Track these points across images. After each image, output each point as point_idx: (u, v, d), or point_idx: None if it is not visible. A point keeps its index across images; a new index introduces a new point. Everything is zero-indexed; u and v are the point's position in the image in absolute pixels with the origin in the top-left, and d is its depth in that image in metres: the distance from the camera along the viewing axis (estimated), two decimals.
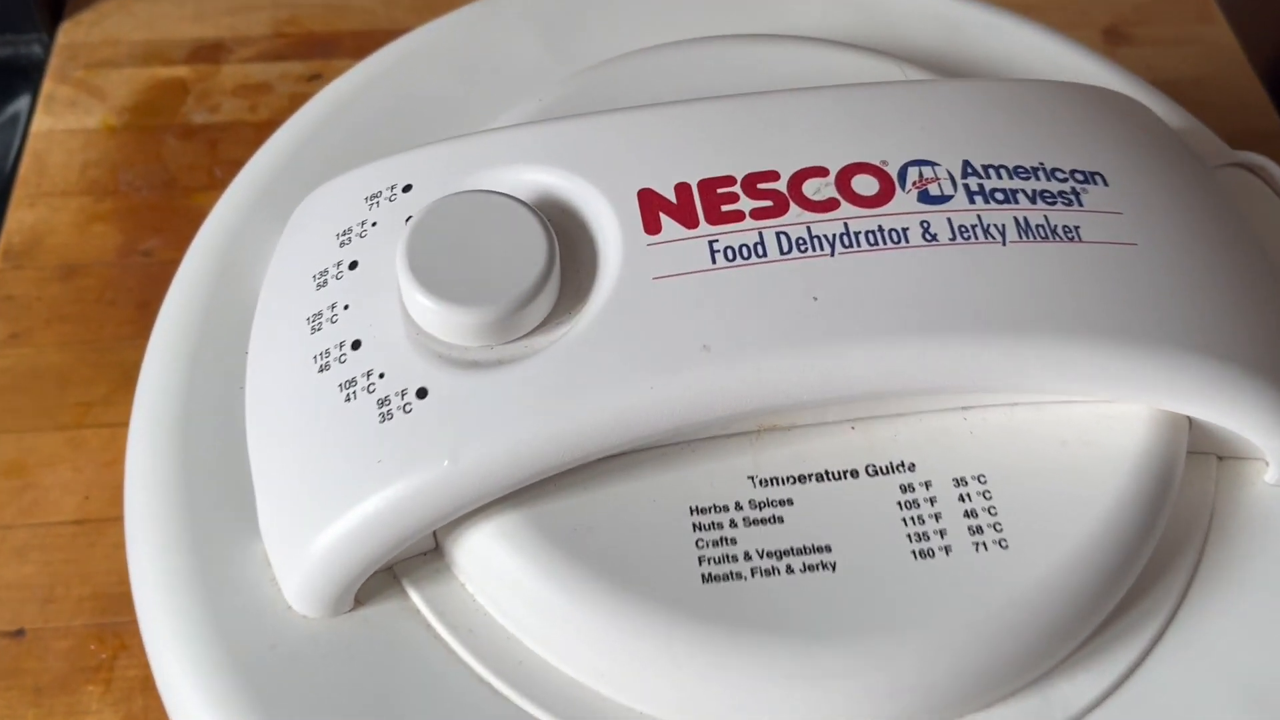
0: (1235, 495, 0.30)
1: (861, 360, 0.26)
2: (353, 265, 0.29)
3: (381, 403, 0.27)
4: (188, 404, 0.31)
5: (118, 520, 0.43)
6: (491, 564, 0.27)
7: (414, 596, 0.28)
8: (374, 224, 0.30)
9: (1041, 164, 0.29)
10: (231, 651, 0.27)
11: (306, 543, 0.27)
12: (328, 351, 0.28)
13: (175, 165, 0.60)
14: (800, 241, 0.27)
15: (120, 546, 0.32)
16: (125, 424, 0.33)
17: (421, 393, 0.27)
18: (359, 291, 0.29)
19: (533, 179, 0.29)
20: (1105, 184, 0.29)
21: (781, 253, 0.27)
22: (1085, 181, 0.29)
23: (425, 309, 0.27)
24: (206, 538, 0.29)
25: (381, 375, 0.27)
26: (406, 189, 0.30)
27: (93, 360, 0.53)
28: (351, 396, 0.27)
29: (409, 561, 0.28)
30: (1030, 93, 0.31)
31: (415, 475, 0.26)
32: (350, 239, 0.30)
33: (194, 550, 0.29)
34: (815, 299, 0.27)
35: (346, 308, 0.29)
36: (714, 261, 0.27)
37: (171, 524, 0.29)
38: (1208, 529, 0.29)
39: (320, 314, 0.29)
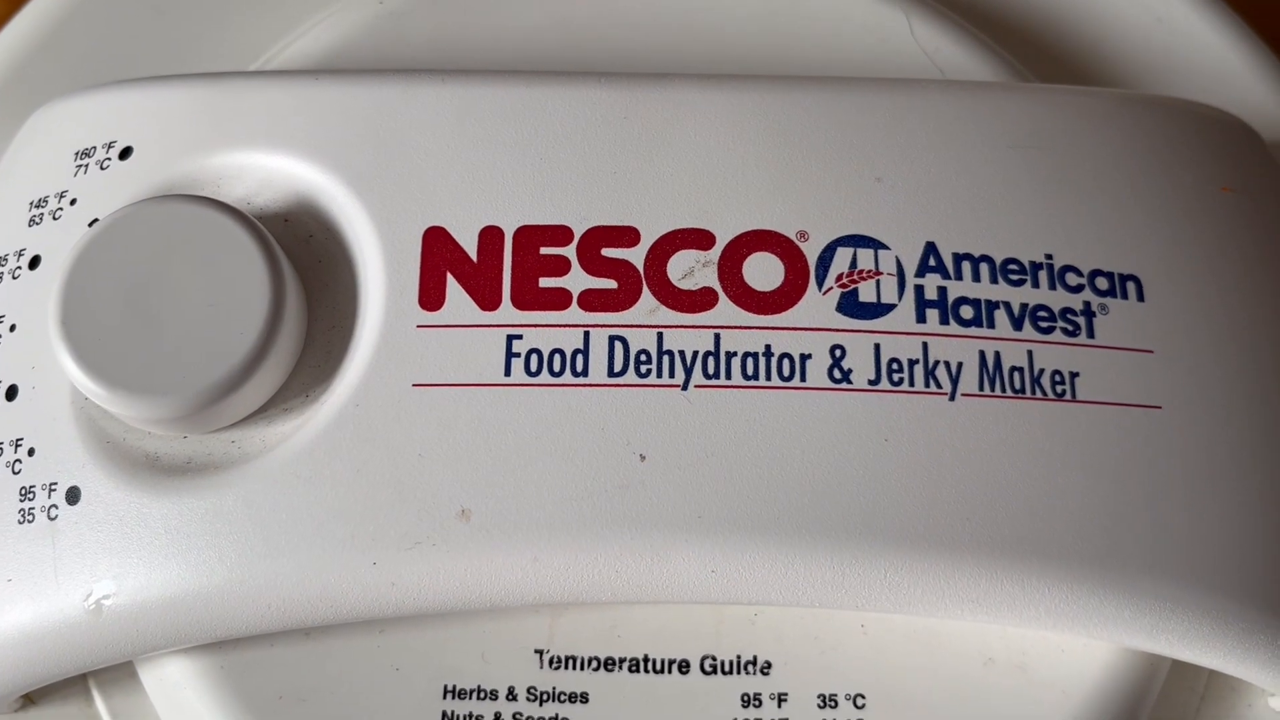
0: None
1: (692, 565, 0.17)
2: (34, 262, 0.20)
3: (24, 493, 0.19)
4: None
5: None
6: (180, 706, 0.20)
7: (100, 705, 0.21)
8: (73, 202, 0.21)
9: (1049, 257, 0.19)
10: None
11: None
12: None
13: None
14: (643, 358, 0.18)
15: None
16: None
17: (73, 495, 0.19)
18: (33, 308, 0.20)
19: (288, 170, 0.20)
20: (1140, 296, 0.19)
21: (611, 373, 0.18)
22: (1110, 291, 0.19)
23: (79, 382, 0.18)
24: None
25: (31, 452, 0.19)
26: (125, 154, 0.21)
27: None
28: None
29: None
30: (1065, 114, 0.21)
31: (47, 613, 0.18)
32: (42, 217, 0.21)
33: None
34: (642, 458, 0.18)
35: (13, 329, 0.20)
36: (507, 372, 0.18)
37: None
38: None
39: None
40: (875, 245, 0.19)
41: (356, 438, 0.18)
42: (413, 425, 0.18)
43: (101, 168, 0.21)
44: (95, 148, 0.21)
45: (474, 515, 0.18)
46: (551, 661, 0.20)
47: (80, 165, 0.21)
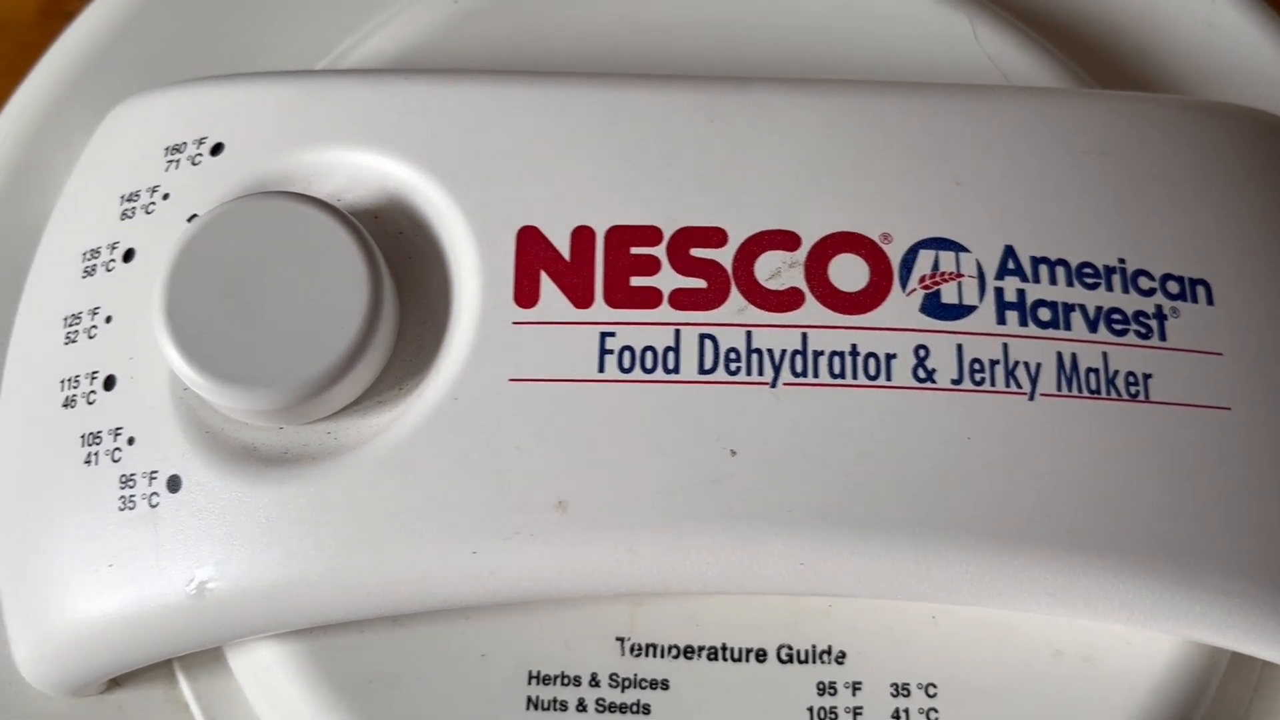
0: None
1: (782, 558, 0.18)
2: (128, 255, 0.21)
3: (125, 481, 0.20)
4: None
5: None
6: (271, 689, 0.21)
7: (185, 688, 0.22)
8: (165, 196, 0.21)
9: (1122, 261, 0.20)
10: None
11: (36, 623, 0.20)
12: (76, 380, 0.20)
13: None
14: (733, 356, 0.19)
15: None
16: None
17: (174, 483, 0.19)
18: (128, 300, 0.21)
19: (379, 167, 0.20)
20: (1210, 299, 0.20)
21: (701, 370, 0.19)
22: (1180, 295, 0.20)
23: (183, 373, 0.19)
24: None
25: (131, 441, 0.20)
26: (216, 150, 0.21)
27: None
28: (93, 458, 0.20)
29: None
30: (1134, 120, 0.21)
31: (149, 598, 0.19)
32: (134, 211, 0.21)
33: None
34: (733, 453, 0.18)
35: (109, 320, 0.21)
36: (601, 368, 0.19)
37: None
38: None
39: (79, 316, 0.21)
40: (956, 248, 0.19)
41: (455, 430, 0.18)
42: (510, 419, 0.18)
43: (193, 163, 0.21)
44: (186, 143, 0.21)
45: (571, 507, 0.18)
46: (632, 649, 0.20)
47: (171, 160, 0.21)
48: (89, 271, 0.21)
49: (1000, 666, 0.20)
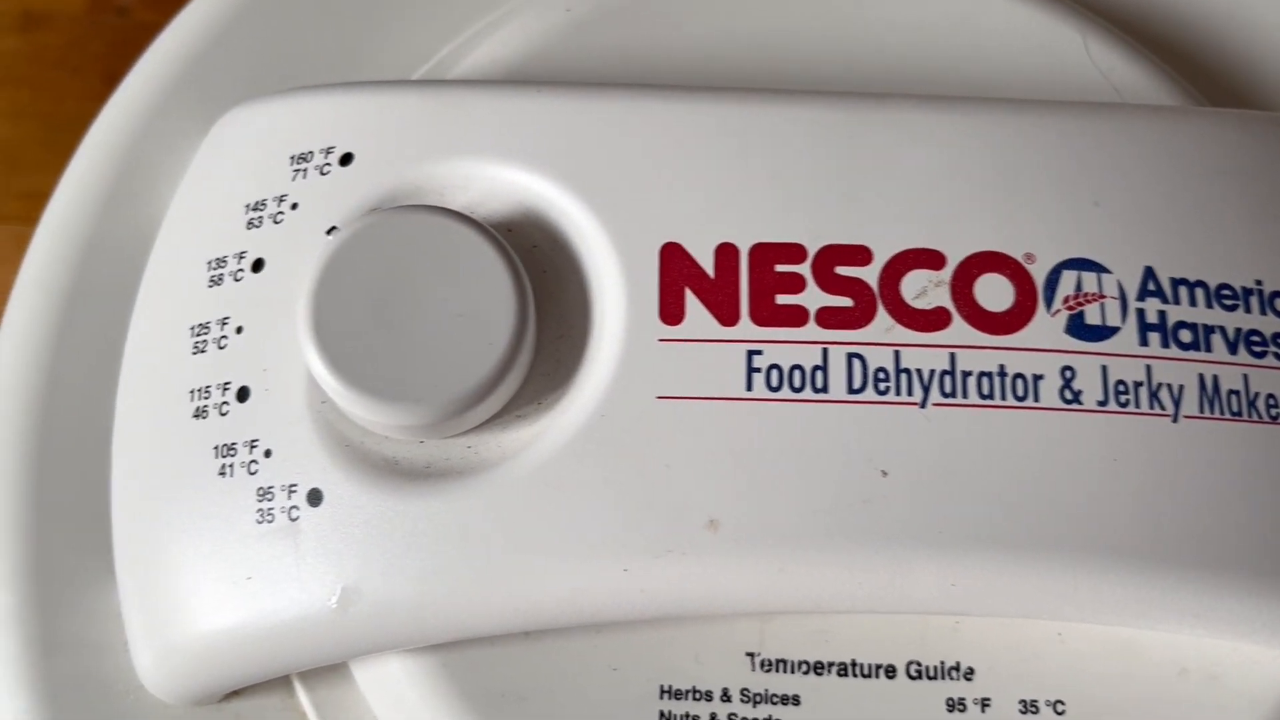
0: None
1: (932, 579, 0.18)
2: (257, 265, 0.21)
3: (262, 494, 0.19)
4: (49, 379, 0.24)
5: None
6: (399, 701, 0.21)
7: (303, 697, 0.22)
8: (294, 206, 0.21)
9: (1259, 283, 0.20)
10: None
11: (163, 632, 0.20)
12: (207, 390, 0.20)
13: None
14: (881, 375, 0.19)
15: None
16: None
17: (315, 497, 0.19)
18: (259, 310, 0.21)
19: (514, 180, 0.20)
20: None
21: (851, 390, 0.19)
22: None
23: (328, 385, 0.19)
24: (54, 572, 0.23)
25: (268, 454, 0.20)
26: (345, 160, 0.21)
27: (48, 140, 0.45)
28: (228, 470, 0.20)
29: None
30: (1265, 140, 0.21)
31: (289, 611, 0.19)
32: (261, 220, 0.21)
33: (37, 592, 0.22)
34: (884, 474, 0.18)
35: (240, 330, 0.21)
36: (749, 387, 0.19)
37: (12, 550, 0.23)
38: None
39: (207, 326, 0.21)
40: (1098, 269, 0.19)
41: (603, 447, 0.18)
42: (659, 436, 0.18)
43: (321, 172, 0.21)
44: (312, 152, 0.21)
45: (722, 525, 0.18)
46: (763, 664, 0.20)
47: (298, 169, 0.21)
48: (215, 281, 0.21)
49: (1127, 684, 0.21)
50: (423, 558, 0.19)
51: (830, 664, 0.21)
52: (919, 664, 0.21)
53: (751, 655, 0.21)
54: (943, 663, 0.21)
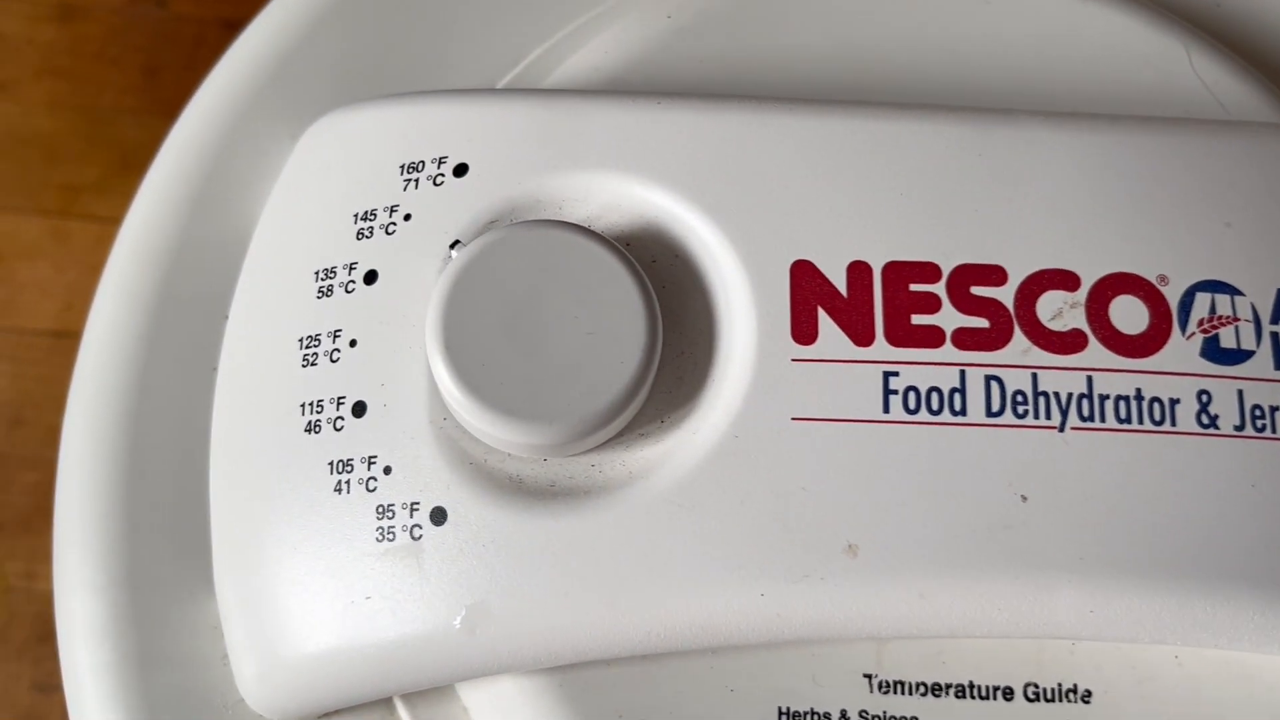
0: None
1: (1072, 605, 0.18)
2: (370, 277, 0.20)
3: (382, 512, 0.19)
4: (140, 387, 0.23)
5: None
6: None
7: (403, 715, 0.22)
8: (407, 217, 0.21)
9: None
10: None
11: (271, 648, 0.20)
12: (320, 405, 0.20)
13: None
14: (1020, 398, 0.18)
15: None
16: (118, 219, 0.25)
17: (438, 515, 0.19)
18: (374, 324, 0.20)
19: (635, 194, 0.20)
20: None
21: (989, 413, 0.18)
22: None
23: (459, 404, 0.18)
24: (149, 584, 0.22)
25: (388, 471, 0.19)
26: (460, 171, 0.21)
27: (86, 133, 0.45)
28: (344, 487, 0.19)
29: None
30: None
31: (410, 631, 0.19)
32: (372, 230, 0.21)
33: (132, 603, 0.22)
34: (1024, 499, 0.18)
35: (354, 344, 0.20)
36: (886, 409, 0.18)
37: (107, 561, 0.22)
38: None
39: (317, 338, 0.20)
40: (1231, 291, 0.19)
41: (738, 469, 0.18)
42: (794, 458, 0.18)
43: (434, 183, 0.21)
44: (424, 162, 0.21)
45: (861, 550, 0.18)
46: (880, 686, 0.20)
47: (409, 179, 0.21)
48: (325, 292, 0.21)
49: (1244, 707, 0.20)
50: (552, 578, 0.18)
51: (948, 686, 0.20)
52: (1036, 686, 0.20)
53: (869, 677, 0.20)
54: (1060, 685, 0.20)
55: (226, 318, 0.23)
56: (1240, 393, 0.19)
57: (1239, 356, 0.19)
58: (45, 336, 0.42)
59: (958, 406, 0.18)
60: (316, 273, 0.21)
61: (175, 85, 0.43)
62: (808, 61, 0.24)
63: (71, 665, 0.22)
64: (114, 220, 0.42)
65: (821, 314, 0.19)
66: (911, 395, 0.18)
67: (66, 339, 0.42)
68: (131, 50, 0.47)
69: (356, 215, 0.21)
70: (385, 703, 0.22)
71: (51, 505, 0.42)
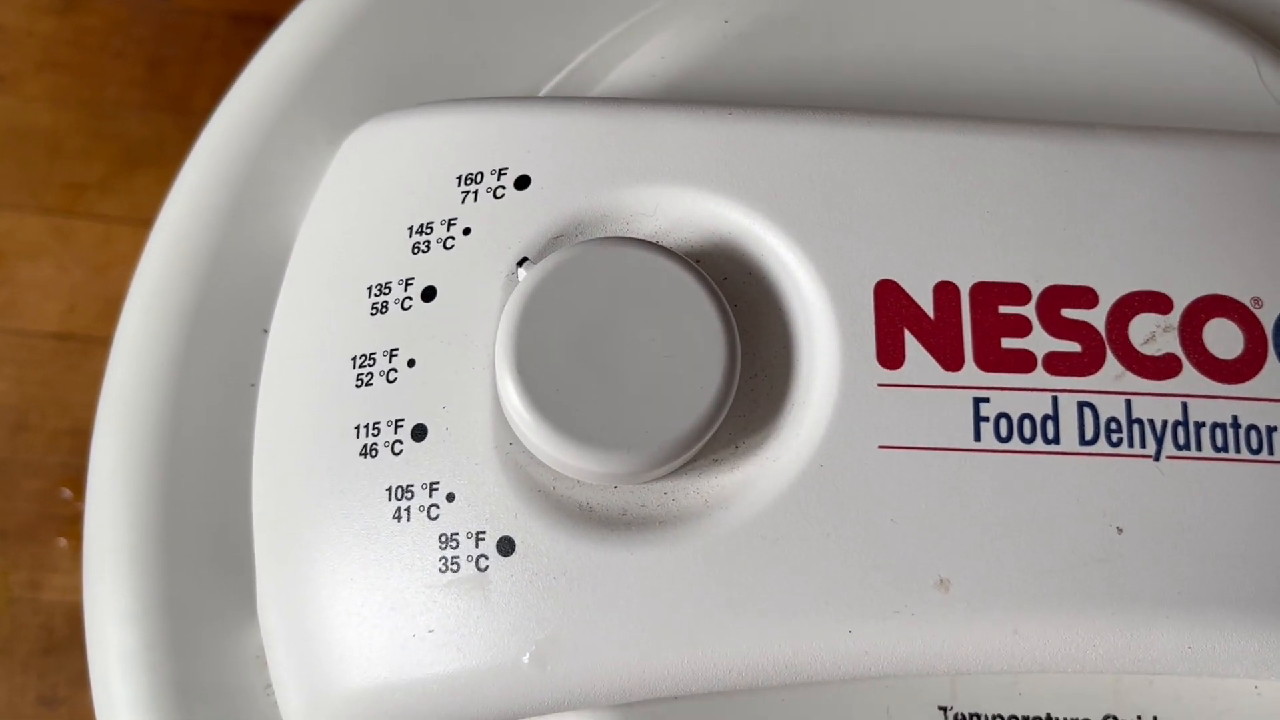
0: None
1: (1170, 641, 0.17)
2: (428, 294, 0.20)
3: (445, 541, 0.18)
4: (175, 403, 0.22)
5: (105, 343, 0.36)
6: None
7: None
8: (466, 231, 0.20)
9: None
10: None
11: (324, 681, 0.19)
12: (377, 427, 0.19)
13: None
14: (1113, 426, 0.18)
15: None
16: (123, 218, 0.24)
17: (506, 545, 0.18)
18: (434, 343, 0.19)
19: (707, 209, 0.19)
20: None
21: (1083, 441, 0.18)
22: None
23: (531, 430, 0.17)
24: (186, 611, 0.21)
25: (450, 497, 0.18)
26: (522, 183, 0.20)
27: (90, 128, 0.43)
28: (404, 514, 0.19)
29: None
30: None
31: (476, 666, 0.18)
32: (429, 244, 0.20)
33: (169, 632, 0.21)
34: (1120, 530, 0.17)
35: (412, 364, 0.19)
36: (977, 437, 0.18)
37: (142, 586, 0.21)
38: None
39: (372, 357, 0.20)
40: None
41: (823, 499, 0.17)
42: (882, 488, 0.17)
43: (494, 196, 0.20)
44: (482, 173, 0.20)
45: (953, 585, 0.17)
46: (956, 718, 0.20)
47: (467, 191, 0.20)
48: (379, 309, 0.20)
49: None
50: (628, 612, 0.18)
51: (1025, 718, 0.20)
52: (1115, 718, 0.20)
53: (944, 709, 0.20)
54: (1139, 717, 0.20)
55: (265, 331, 0.22)
56: None
57: None
58: (48, 339, 0.41)
59: (1050, 435, 0.18)
60: (369, 288, 0.20)
61: (181, 79, 0.42)
62: (870, 69, 0.23)
63: (106, 697, 0.21)
64: (119, 219, 0.41)
65: (908, 337, 0.18)
66: (1003, 422, 0.18)
67: (70, 342, 0.41)
68: (136, 43, 0.45)
69: (411, 228, 0.20)
70: None
71: (56, 513, 0.41)
